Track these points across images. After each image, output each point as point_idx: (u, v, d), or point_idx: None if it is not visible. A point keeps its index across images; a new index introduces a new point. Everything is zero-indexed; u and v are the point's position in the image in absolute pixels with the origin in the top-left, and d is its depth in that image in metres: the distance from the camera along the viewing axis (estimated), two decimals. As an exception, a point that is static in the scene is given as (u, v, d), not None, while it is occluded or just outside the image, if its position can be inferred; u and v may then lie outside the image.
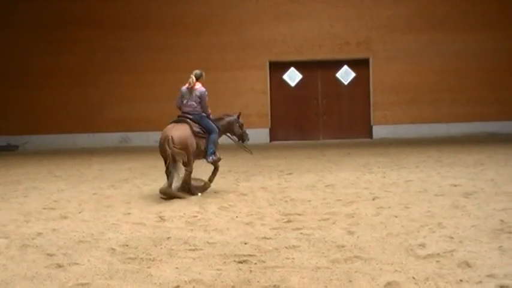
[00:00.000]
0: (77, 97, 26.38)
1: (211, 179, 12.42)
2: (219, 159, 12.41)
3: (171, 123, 12.03)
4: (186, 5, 26.45)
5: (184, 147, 11.53)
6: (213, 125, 12.23)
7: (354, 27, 26.38)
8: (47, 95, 26.37)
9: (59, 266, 6.76)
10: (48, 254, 7.30)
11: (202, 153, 12.17)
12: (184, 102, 12.12)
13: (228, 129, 13.06)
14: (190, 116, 12.01)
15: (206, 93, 12.16)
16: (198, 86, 12.08)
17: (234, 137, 13.24)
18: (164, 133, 11.65)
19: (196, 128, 11.92)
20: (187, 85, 12.12)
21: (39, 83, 26.32)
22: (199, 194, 11.75)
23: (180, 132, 11.61)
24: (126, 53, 26.23)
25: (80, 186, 13.76)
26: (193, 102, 12.07)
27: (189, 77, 12.10)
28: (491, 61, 25.74)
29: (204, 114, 12.15)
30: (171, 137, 11.41)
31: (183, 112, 12.14)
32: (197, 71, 12.29)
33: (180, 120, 12.05)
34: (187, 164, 11.60)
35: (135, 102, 26.18)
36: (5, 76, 26.63)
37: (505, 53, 25.74)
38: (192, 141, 11.73)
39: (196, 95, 12.06)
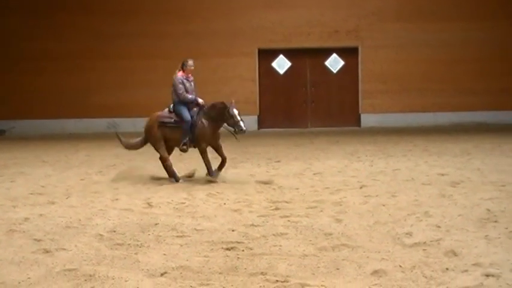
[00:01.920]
0: (65, 82, 26.23)
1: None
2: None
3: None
4: (175, -8, 26.36)
5: None
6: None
7: (343, 15, 26.33)
8: (35, 80, 26.20)
9: (46, 251, 6.76)
10: (35, 239, 7.29)
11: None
12: (188, 91, 11.93)
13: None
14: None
15: None
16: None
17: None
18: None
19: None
20: (183, 74, 11.98)
21: (27, 68, 26.15)
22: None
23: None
24: (115, 40, 26.09)
25: (68, 171, 13.73)
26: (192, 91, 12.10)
27: (184, 63, 12.00)
28: (479, 51, 25.77)
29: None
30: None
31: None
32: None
33: None
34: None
35: (123, 88, 26.07)
36: (-7, 61, 26.50)
37: (493, 42, 25.77)
38: None
39: (194, 83, 12.19)
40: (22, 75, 26.19)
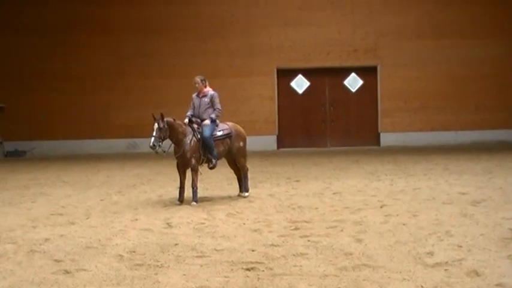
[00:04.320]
0: (84, 103, 26.41)
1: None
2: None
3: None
4: (194, 11, 26.49)
5: None
6: None
7: (361, 34, 26.38)
8: (55, 101, 26.40)
9: (67, 272, 6.78)
10: (56, 260, 7.31)
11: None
12: (195, 108, 12.26)
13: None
14: None
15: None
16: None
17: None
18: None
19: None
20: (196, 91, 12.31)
21: (47, 88, 26.36)
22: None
23: None
24: (134, 59, 26.26)
25: (88, 192, 13.78)
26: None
27: (201, 82, 12.18)
28: (499, 67, 25.71)
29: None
30: None
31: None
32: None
33: None
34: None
35: (142, 108, 26.13)
36: (14, 81, 26.67)
37: (512, 59, 25.74)
38: None
39: (207, 100, 12.27)
40: (42, 95, 26.39)
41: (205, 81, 12.21)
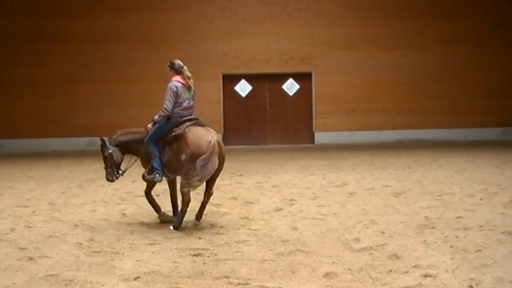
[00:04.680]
0: (47, 105, 25.95)
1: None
2: None
3: (186, 125, 8.38)
4: (147, 22, 26.23)
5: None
6: None
7: (298, 44, 26.48)
8: (20, 103, 25.88)
9: (30, 258, 6.68)
10: (20, 248, 7.20)
11: None
12: (185, 104, 8.61)
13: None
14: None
15: None
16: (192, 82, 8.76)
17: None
18: (206, 138, 8.14)
19: None
20: (182, 81, 8.68)
21: (13, 91, 25.82)
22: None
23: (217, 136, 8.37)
24: (92, 65, 25.88)
25: (50, 186, 13.56)
26: (193, 102, 8.81)
27: (166, 67, 9.13)
28: (417, 75, 26.09)
29: None
30: (217, 142, 8.21)
31: (184, 116, 8.59)
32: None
33: (199, 123, 8.64)
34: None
35: (100, 110, 25.85)
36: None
37: (430, 68, 26.09)
38: None
39: (194, 92, 8.88)
40: (7, 98, 25.86)
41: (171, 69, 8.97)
